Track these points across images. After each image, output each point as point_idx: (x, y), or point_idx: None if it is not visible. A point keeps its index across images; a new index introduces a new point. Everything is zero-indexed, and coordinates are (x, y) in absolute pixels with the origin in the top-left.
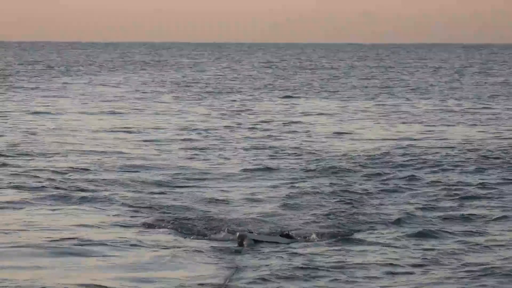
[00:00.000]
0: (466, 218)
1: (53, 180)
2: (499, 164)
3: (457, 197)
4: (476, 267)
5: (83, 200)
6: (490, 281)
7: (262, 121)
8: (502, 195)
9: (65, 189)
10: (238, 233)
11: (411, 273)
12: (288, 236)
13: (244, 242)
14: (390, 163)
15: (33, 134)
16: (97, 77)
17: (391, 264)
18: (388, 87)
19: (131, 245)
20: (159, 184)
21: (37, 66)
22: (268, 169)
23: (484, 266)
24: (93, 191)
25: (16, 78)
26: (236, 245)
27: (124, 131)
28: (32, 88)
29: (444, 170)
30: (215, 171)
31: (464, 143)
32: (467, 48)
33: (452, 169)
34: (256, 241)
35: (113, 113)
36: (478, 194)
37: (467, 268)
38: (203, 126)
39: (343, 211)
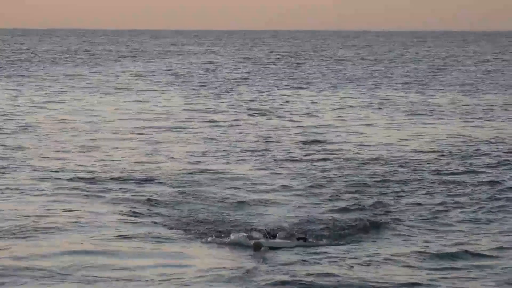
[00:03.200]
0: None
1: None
2: None
3: None
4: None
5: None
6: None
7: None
8: None
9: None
10: (253, 242)
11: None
12: (303, 239)
13: (260, 250)
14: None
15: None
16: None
17: (408, 267)
18: None
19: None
20: (175, 182)
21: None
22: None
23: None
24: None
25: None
26: (252, 252)
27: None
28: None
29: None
30: (232, 170)
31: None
32: None
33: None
34: (272, 248)
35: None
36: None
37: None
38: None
39: (360, 213)
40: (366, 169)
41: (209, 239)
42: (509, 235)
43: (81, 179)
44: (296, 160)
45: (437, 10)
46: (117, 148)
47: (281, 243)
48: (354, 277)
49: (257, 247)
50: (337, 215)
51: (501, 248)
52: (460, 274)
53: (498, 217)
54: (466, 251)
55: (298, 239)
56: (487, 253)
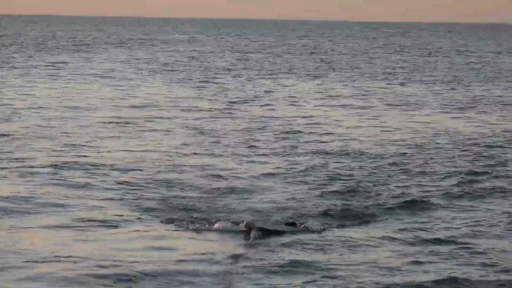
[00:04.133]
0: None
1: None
2: None
3: None
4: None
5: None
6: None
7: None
8: None
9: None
10: (245, 222)
11: (417, 263)
12: (293, 224)
13: (251, 231)
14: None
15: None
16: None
17: (397, 253)
18: None
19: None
20: (159, 170)
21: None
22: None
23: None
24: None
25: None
26: (243, 234)
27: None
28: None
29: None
30: (215, 158)
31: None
32: None
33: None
34: (263, 230)
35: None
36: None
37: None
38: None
39: (349, 201)
40: (351, 158)
41: (195, 225)
42: (487, 220)
43: (63, 166)
44: (280, 149)
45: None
46: (100, 136)
47: (271, 225)
48: (342, 262)
49: (248, 229)
50: (323, 202)
51: (480, 232)
52: (444, 257)
53: (477, 205)
54: (449, 236)
55: (287, 224)
56: (466, 238)
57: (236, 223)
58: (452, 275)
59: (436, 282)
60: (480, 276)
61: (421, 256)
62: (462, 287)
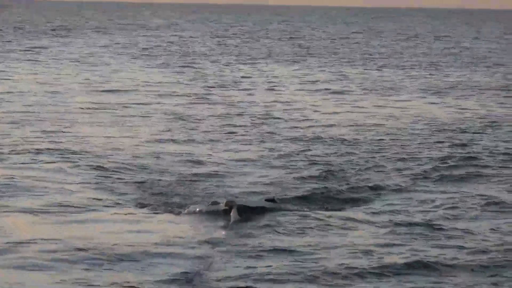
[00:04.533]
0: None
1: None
2: None
3: None
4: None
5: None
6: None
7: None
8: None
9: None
10: (226, 200)
11: (391, 245)
12: (273, 200)
13: (232, 211)
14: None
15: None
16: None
17: (374, 236)
18: None
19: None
20: (137, 155)
21: None
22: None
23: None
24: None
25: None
26: (223, 215)
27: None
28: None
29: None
30: (193, 144)
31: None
32: None
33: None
34: (244, 208)
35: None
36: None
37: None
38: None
39: (327, 185)
40: (329, 143)
41: (174, 209)
42: (462, 203)
43: (40, 151)
44: (259, 134)
45: None
46: (78, 121)
47: (252, 202)
48: (320, 245)
49: (229, 207)
50: (301, 186)
51: (455, 216)
52: (420, 240)
53: (453, 189)
54: (425, 219)
55: (267, 200)
56: (442, 221)
57: (216, 203)
58: (427, 257)
59: (411, 264)
60: (454, 258)
61: (397, 239)
62: (437, 269)
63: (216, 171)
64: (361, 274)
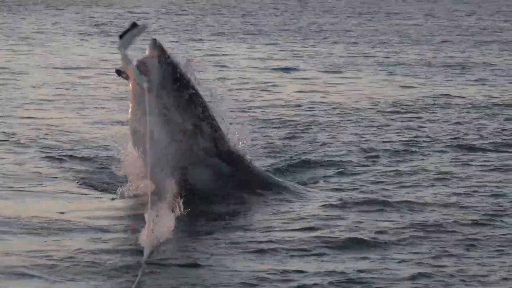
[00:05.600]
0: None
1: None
2: None
3: None
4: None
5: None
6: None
7: None
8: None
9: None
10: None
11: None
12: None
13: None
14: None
15: None
16: None
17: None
18: None
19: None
20: (96, 138)
21: None
22: None
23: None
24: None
25: None
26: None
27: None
28: None
29: None
30: None
31: None
32: None
33: None
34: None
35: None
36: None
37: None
38: None
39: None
40: (279, 123)
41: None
42: (410, 176)
43: None
44: None
45: None
46: (27, 103)
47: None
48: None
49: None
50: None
51: (404, 188)
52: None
53: (400, 164)
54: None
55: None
56: (392, 192)
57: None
58: (370, 233)
59: (354, 239)
60: (399, 232)
61: (343, 215)
62: (380, 244)
63: None
64: (304, 250)
